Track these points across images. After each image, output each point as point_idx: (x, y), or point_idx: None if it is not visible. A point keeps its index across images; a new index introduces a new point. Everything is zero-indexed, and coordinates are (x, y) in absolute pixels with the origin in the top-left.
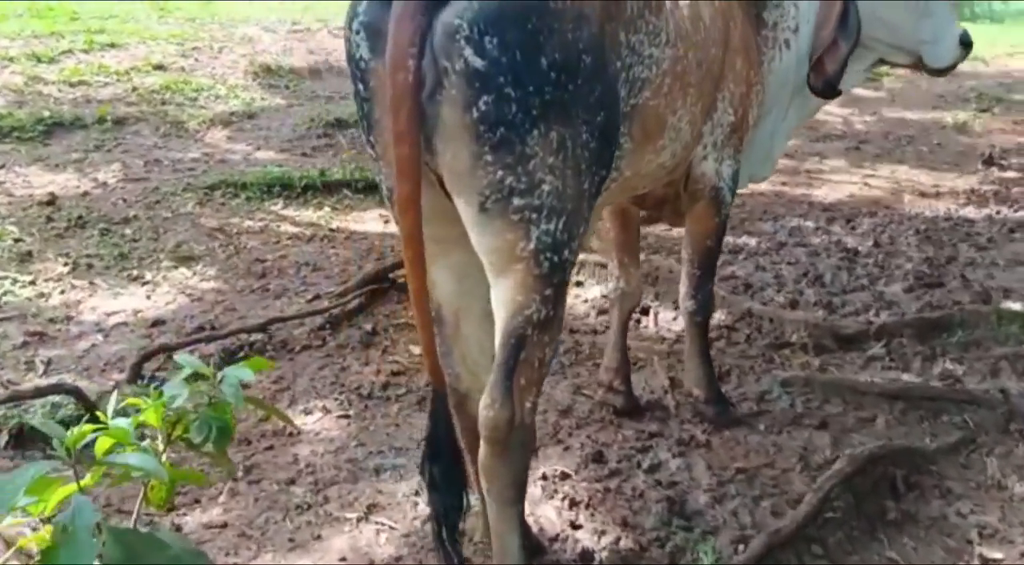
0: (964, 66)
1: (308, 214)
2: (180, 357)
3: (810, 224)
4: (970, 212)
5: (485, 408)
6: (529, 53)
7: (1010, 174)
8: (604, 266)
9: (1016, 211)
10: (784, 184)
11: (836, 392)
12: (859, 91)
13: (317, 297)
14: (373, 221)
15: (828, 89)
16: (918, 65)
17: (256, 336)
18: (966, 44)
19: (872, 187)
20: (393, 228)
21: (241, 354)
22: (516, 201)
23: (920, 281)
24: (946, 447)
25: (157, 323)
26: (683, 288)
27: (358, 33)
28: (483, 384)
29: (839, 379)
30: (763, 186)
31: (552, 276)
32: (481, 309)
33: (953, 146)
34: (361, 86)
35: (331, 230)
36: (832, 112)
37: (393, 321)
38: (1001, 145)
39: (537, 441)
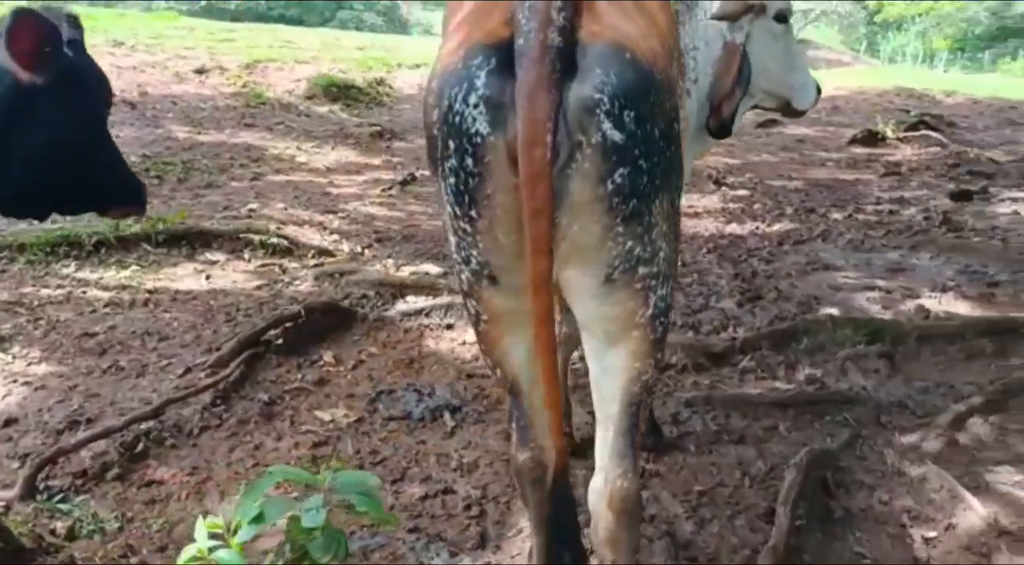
0: None
1: (111, 275)
2: (277, 469)
3: None
4: (735, 229)
5: (616, 479)
6: (653, 124)
7: (740, 192)
8: None
9: (770, 225)
10: None
11: (735, 407)
12: None
13: (188, 370)
14: (190, 278)
15: (723, 131)
16: (784, 108)
17: (147, 423)
18: (819, 90)
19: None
20: (223, 284)
21: (141, 446)
22: (641, 270)
23: (744, 295)
24: (843, 444)
25: (10, 422)
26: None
27: (476, 106)
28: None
29: (734, 395)
30: None
31: (663, 340)
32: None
33: None
34: (470, 161)
35: (149, 292)
36: None
37: (285, 387)
38: (716, 167)
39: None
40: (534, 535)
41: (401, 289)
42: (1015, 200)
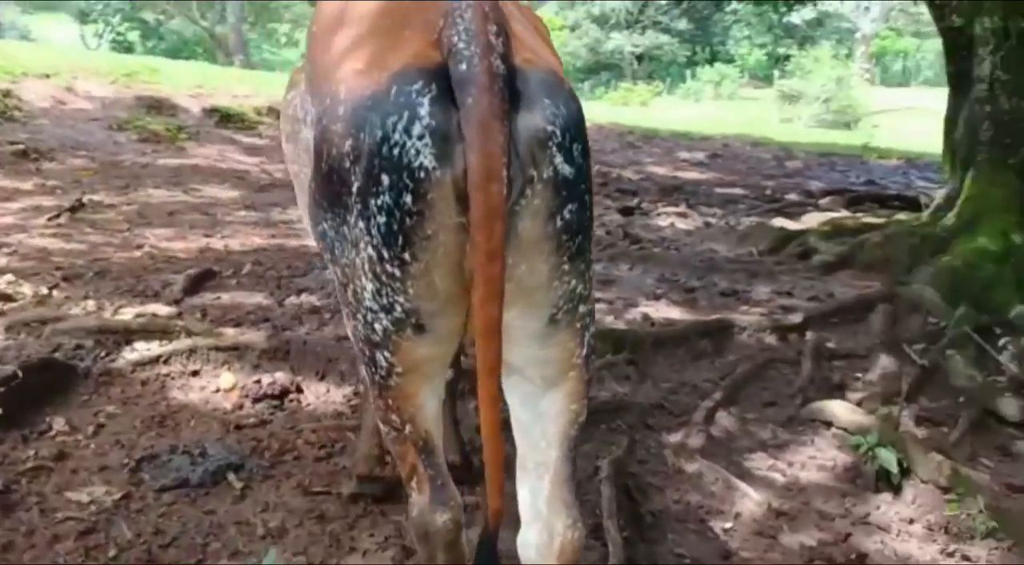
0: None
1: None
2: None
3: None
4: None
5: (565, 530)
6: (589, 157)
7: None
8: (218, 349)
9: None
10: (273, 236)
11: None
12: (240, 137)
13: None
14: None
15: None
16: None
17: None
18: None
19: None
20: None
21: None
22: (581, 309)
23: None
24: (626, 450)
25: None
26: None
27: (421, 138)
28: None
29: None
30: (261, 240)
31: (590, 380)
32: None
33: None
34: (409, 198)
35: None
36: (243, 160)
37: (19, 468)
38: None
39: (328, 556)
40: None
41: (126, 335)
42: (667, 214)
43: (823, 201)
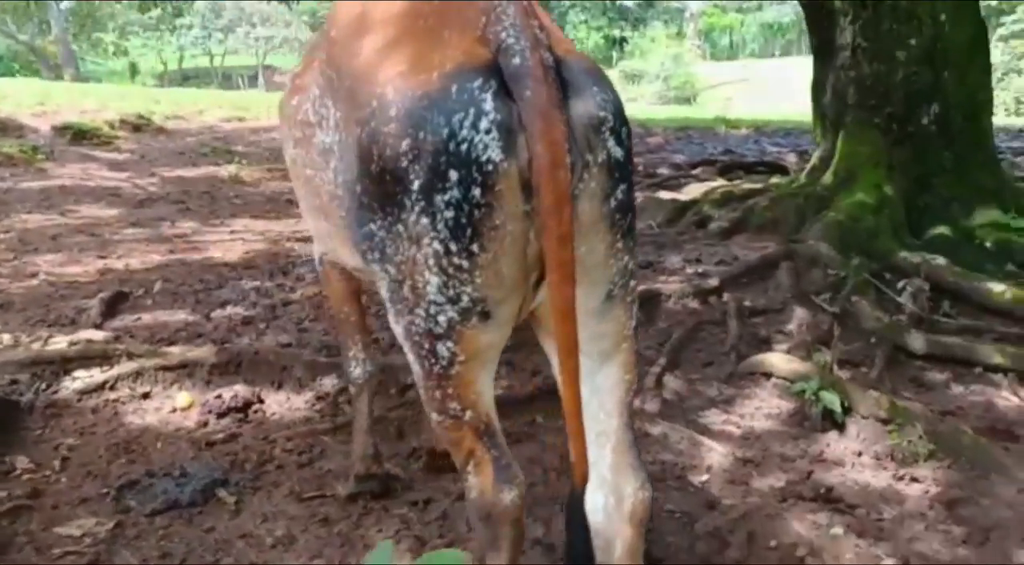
0: None
1: None
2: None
3: (274, 282)
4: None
5: (636, 492)
6: (631, 141)
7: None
8: (166, 369)
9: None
10: (172, 252)
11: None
12: (99, 153)
13: None
14: None
15: None
16: None
17: None
18: None
19: (252, 239)
20: None
21: None
22: (631, 283)
23: None
24: None
25: None
26: None
27: (488, 132)
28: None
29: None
30: (160, 257)
31: (637, 350)
32: None
33: (248, 195)
34: (478, 191)
35: None
36: (110, 176)
37: None
38: (274, 190)
39: (344, 557)
40: None
41: (64, 365)
42: None
43: (696, 172)
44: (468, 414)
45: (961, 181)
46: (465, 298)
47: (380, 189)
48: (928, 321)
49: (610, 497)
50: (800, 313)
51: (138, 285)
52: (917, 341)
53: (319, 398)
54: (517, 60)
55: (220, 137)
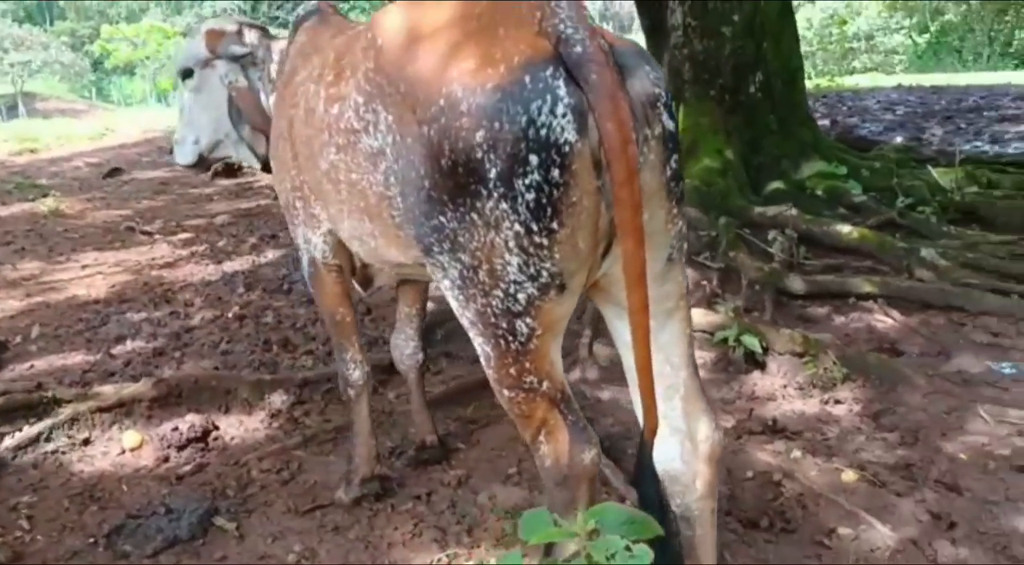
0: None
1: None
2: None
3: (163, 311)
4: (236, 266)
5: (712, 434)
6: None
7: (181, 236)
8: (101, 410)
9: (261, 254)
10: (30, 295)
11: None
12: None
13: None
14: None
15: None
16: None
17: None
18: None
19: (111, 272)
20: None
21: None
22: (684, 245)
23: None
24: None
25: None
26: (412, 343)
27: (565, 116)
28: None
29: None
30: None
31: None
32: None
33: (79, 228)
34: (557, 172)
35: None
36: None
37: None
38: (104, 220)
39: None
40: None
41: None
42: None
43: None
44: (545, 384)
45: (786, 140)
46: (544, 274)
47: (451, 181)
48: (797, 265)
49: (686, 443)
50: (689, 273)
51: (11, 333)
52: (796, 283)
53: (273, 416)
54: (579, 49)
55: (18, 171)
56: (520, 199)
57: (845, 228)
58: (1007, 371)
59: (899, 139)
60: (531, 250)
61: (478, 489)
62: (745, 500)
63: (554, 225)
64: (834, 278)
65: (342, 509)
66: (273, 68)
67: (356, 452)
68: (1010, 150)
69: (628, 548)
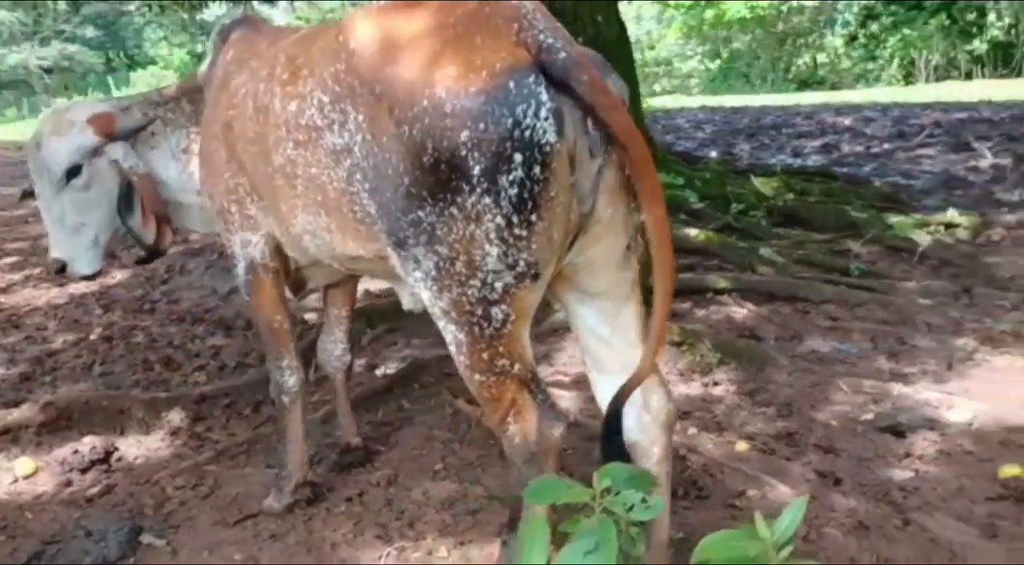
0: None
1: None
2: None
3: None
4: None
5: (666, 404)
6: None
7: None
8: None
9: None
10: None
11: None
12: None
13: None
14: None
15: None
16: None
17: None
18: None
19: None
20: None
21: None
22: (638, 237)
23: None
24: None
25: None
26: (341, 345)
27: (547, 119)
28: None
29: None
30: None
31: None
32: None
33: None
34: (538, 169)
35: None
36: None
37: None
38: None
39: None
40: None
41: None
42: None
43: None
44: (516, 366)
45: None
46: (522, 263)
47: (433, 177)
48: None
49: (643, 414)
50: None
51: None
52: None
53: (173, 434)
54: (563, 55)
55: None
56: (503, 194)
57: (692, 231)
58: (852, 350)
59: (714, 154)
60: (511, 241)
61: (409, 486)
62: None
63: (533, 218)
64: (693, 276)
65: (274, 517)
66: (174, 134)
67: (289, 459)
68: (810, 162)
69: (644, 500)
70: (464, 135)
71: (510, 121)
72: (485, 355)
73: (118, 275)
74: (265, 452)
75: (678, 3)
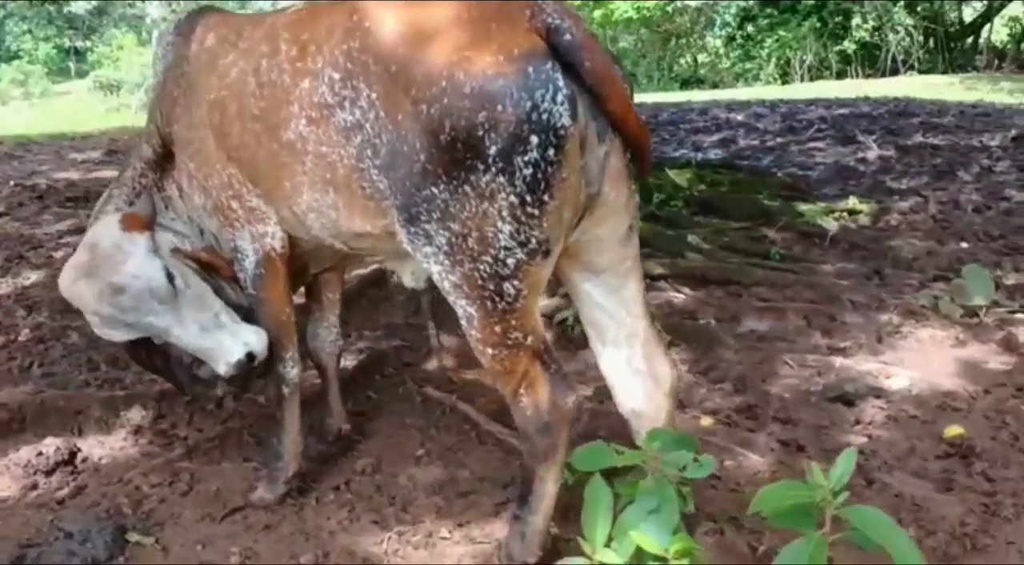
0: None
1: None
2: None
3: None
4: None
5: (671, 372)
6: None
7: None
8: None
9: None
10: None
11: None
12: None
13: None
14: None
15: None
16: None
17: None
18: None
19: None
20: None
21: None
22: (639, 215)
23: None
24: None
25: None
26: (335, 330)
27: (563, 103)
28: None
29: None
30: None
31: None
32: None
33: None
34: (553, 151)
35: None
36: None
37: None
38: None
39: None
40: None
41: None
42: None
43: None
44: (529, 338)
45: None
46: (533, 241)
47: (449, 156)
48: None
49: (648, 382)
50: None
51: None
52: None
53: (136, 432)
54: (568, 36)
55: None
56: (518, 174)
57: None
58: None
59: None
60: (523, 219)
61: (394, 473)
62: None
63: (545, 198)
64: None
65: (264, 509)
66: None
67: (285, 450)
68: (711, 155)
69: (696, 459)
70: (482, 116)
71: (529, 104)
72: (498, 328)
73: (32, 276)
74: (237, 447)
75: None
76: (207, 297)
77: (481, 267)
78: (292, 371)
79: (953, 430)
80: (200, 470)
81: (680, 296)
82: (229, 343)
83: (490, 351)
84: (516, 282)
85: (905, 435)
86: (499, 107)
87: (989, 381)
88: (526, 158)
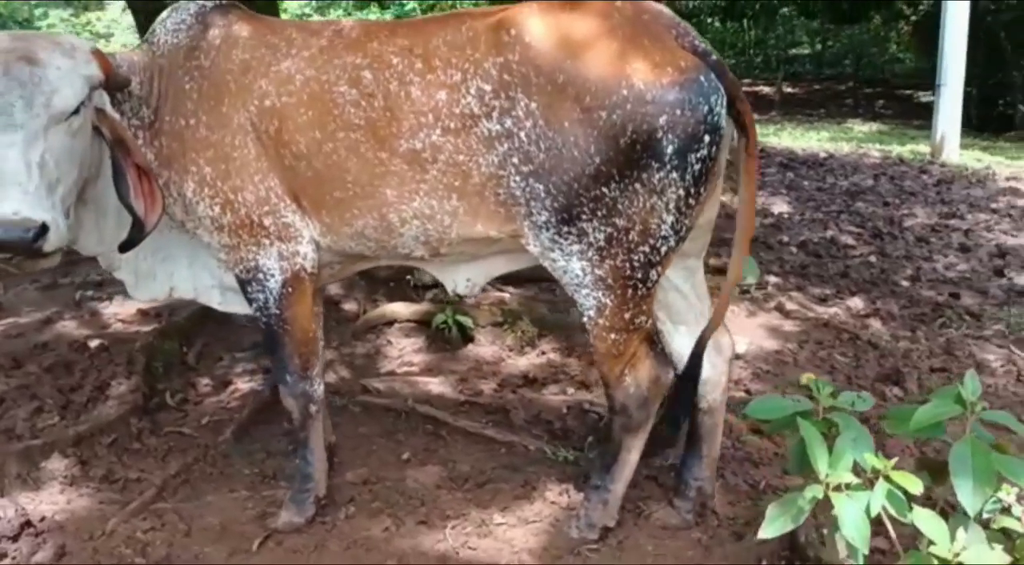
0: None
1: None
2: None
3: None
4: None
5: (729, 341)
6: None
7: None
8: None
9: None
10: None
11: None
12: None
13: None
14: None
15: None
16: None
17: None
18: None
19: None
20: None
21: None
22: None
23: None
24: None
25: None
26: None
27: (723, 108)
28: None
29: None
30: None
31: None
32: None
33: None
34: (715, 149)
35: None
36: None
37: None
38: None
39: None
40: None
41: None
42: None
43: None
44: (648, 322)
45: None
46: (684, 229)
47: (624, 157)
48: None
49: (712, 353)
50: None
51: None
52: (426, 276)
53: (71, 483)
54: (714, 57)
55: None
56: (689, 169)
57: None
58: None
59: None
60: (684, 210)
61: (395, 478)
62: (576, 428)
63: (703, 190)
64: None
65: (292, 533)
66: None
67: (313, 470)
68: None
69: (860, 396)
70: (663, 120)
71: (705, 108)
72: (628, 314)
73: None
74: (207, 480)
75: None
76: (72, 171)
77: (635, 258)
78: (319, 388)
79: (807, 377)
80: (183, 508)
81: (504, 295)
82: (46, 210)
83: (613, 336)
84: (660, 268)
85: (773, 386)
86: (678, 111)
87: (797, 339)
88: (697, 155)
